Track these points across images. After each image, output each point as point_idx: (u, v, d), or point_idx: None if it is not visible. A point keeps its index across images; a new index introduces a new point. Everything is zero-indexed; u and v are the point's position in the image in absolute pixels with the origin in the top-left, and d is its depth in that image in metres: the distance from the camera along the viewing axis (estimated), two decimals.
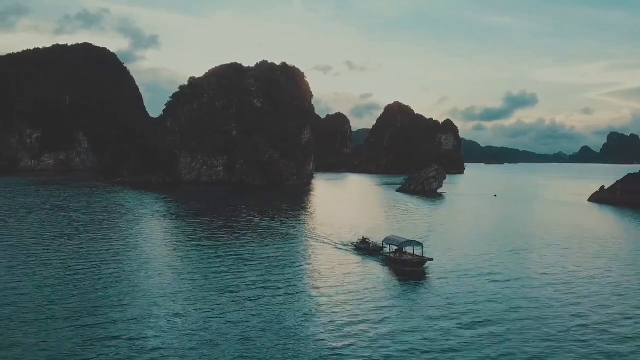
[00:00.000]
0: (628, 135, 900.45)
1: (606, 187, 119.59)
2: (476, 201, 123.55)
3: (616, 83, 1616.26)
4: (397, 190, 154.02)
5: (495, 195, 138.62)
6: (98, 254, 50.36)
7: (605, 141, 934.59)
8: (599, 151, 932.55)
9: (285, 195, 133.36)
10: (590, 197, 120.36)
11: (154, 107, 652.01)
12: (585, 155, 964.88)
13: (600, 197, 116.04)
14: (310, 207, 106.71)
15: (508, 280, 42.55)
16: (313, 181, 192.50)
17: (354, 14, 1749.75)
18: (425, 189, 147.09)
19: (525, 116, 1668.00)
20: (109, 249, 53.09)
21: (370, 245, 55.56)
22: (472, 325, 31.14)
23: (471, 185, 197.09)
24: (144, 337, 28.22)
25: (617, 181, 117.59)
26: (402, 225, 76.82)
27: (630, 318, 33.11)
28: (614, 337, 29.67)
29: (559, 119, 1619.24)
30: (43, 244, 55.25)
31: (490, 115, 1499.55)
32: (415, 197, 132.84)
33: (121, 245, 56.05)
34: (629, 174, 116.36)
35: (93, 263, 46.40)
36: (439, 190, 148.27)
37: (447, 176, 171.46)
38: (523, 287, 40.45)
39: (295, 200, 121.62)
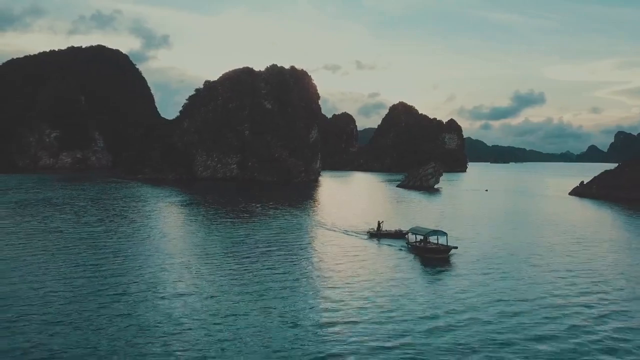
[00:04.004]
0: (636, 134, 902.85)
1: (585, 183, 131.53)
2: (468, 195, 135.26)
3: (625, 81, 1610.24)
4: (397, 186, 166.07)
5: (487, 190, 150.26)
6: (144, 231, 63.65)
7: (613, 140, 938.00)
8: (606, 150, 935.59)
9: (295, 190, 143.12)
10: (570, 191, 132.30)
11: (164, 106, 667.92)
12: (592, 155, 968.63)
13: (579, 191, 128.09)
14: (320, 201, 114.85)
15: (523, 262, 47.47)
16: (320, 178, 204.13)
17: (358, 13, 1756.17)
18: (422, 184, 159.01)
19: (533, 115, 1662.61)
20: (149, 228, 66.45)
21: (384, 231, 60.89)
22: (503, 306, 33.52)
23: (468, 182, 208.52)
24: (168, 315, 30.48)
25: (594, 177, 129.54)
26: (405, 216, 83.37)
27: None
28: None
29: (567, 117, 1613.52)
30: (101, 223, 68.53)
31: (498, 114, 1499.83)
32: (413, 191, 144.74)
33: (157, 225, 69.40)
34: (605, 170, 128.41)
35: (134, 239, 59.30)
36: (436, 186, 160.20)
37: (449, 174, 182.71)
38: (533, 266, 45.49)
39: (305, 195, 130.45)
